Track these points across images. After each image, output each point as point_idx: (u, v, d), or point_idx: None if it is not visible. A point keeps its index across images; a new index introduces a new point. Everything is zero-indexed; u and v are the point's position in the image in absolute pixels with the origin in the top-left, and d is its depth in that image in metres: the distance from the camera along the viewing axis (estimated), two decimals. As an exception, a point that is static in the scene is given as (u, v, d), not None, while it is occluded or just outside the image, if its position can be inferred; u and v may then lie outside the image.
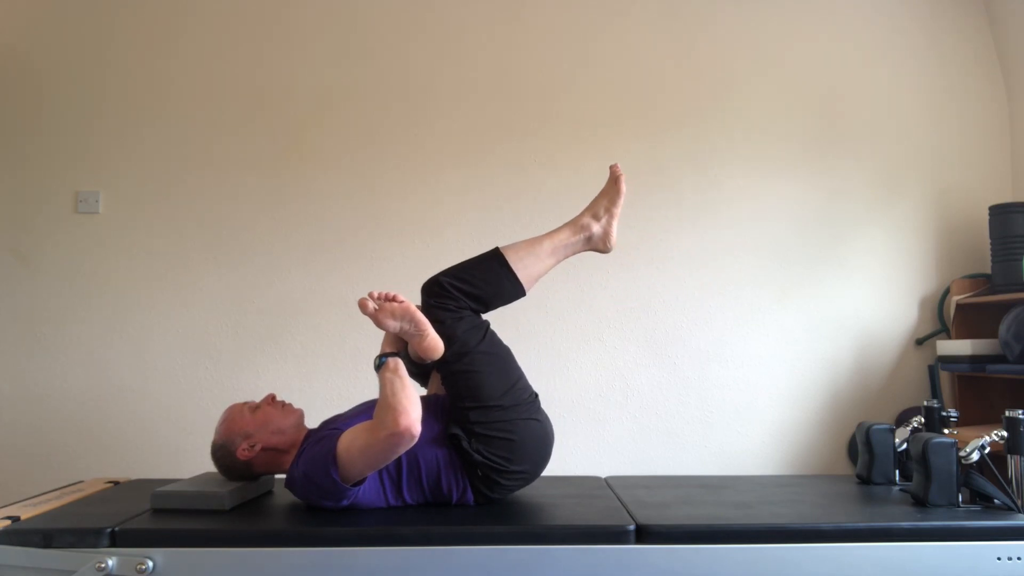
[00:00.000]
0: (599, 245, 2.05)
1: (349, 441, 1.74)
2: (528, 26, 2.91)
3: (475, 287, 1.94)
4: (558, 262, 2.04)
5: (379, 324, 1.84)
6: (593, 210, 2.05)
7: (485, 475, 1.83)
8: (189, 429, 2.74)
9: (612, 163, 2.09)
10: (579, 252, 2.06)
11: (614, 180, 2.05)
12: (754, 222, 2.86)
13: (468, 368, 1.87)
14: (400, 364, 1.80)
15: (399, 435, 1.68)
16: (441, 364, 1.90)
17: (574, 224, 2.04)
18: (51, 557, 1.64)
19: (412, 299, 1.90)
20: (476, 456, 1.82)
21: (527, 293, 1.99)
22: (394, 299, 1.85)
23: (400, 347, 1.91)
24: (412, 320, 1.82)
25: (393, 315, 1.82)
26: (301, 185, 2.84)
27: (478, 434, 1.83)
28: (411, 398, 1.73)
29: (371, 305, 1.83)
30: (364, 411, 1.89)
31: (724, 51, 2.91)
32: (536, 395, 1.97)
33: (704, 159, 2.87)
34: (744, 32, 2.91)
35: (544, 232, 2.04)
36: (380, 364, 1.81)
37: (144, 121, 2.86)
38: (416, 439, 1.71)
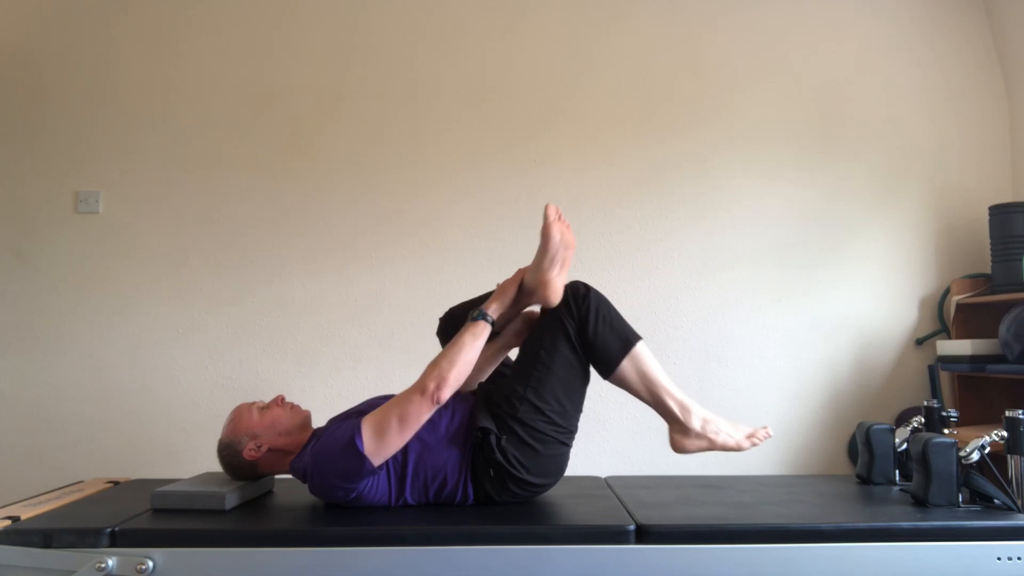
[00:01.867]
0: (676, 434, 1.95)
1: (382, 413, 1.77)
2: (530, 29, 2.91)
3: (598, 332, 1.88)
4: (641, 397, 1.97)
5: (550, 232, 1.85)
6: (715, 425, 1.94)
7: (498, 475, 1.83)
8: (189, 429, 2.74)
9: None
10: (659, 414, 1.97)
11: (750, 437, 1.93)
12: (754, 222, 2.86)
13: (558, 362, 1.87)
14: (486, 333, 1.84)
15: (426, 399, 1.74)
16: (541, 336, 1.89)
17: (684, 407, 1.96)
18: (51, 557, 1.64)
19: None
20: (498, 455, 1.81)
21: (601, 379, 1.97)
22: (568, 228, 1.89)
23: (504, 313, 1.90)
24: (571, 251, 1.87)
25: (565, 234, 1.86)
26: (302, 185, 2.84)
27: (511, 429, 1.82)
28: (461, 372, 1.78)
29: (555, 211, 1.88)
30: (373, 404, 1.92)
31: (724, 52, 2.91)
32: (577, 430, 1.96)
33: (705, 160, 2.87)
34: (744, 33, 2.91)
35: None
36: (475, 319, 1.84)
37: (144, 121, 2.86)
38: (437, 406, 1.77)
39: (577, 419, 1.96)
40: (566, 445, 1.92)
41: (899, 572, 1.64)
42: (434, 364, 1.79)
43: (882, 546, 1.66)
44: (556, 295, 1.86)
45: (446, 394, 1.76)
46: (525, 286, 1.91)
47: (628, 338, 1.91)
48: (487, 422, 1.83)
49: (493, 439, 1.81)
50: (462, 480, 1.85)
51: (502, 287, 1.93)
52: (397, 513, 1.80)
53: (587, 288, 1.92)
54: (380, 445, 1.76)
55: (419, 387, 1.76)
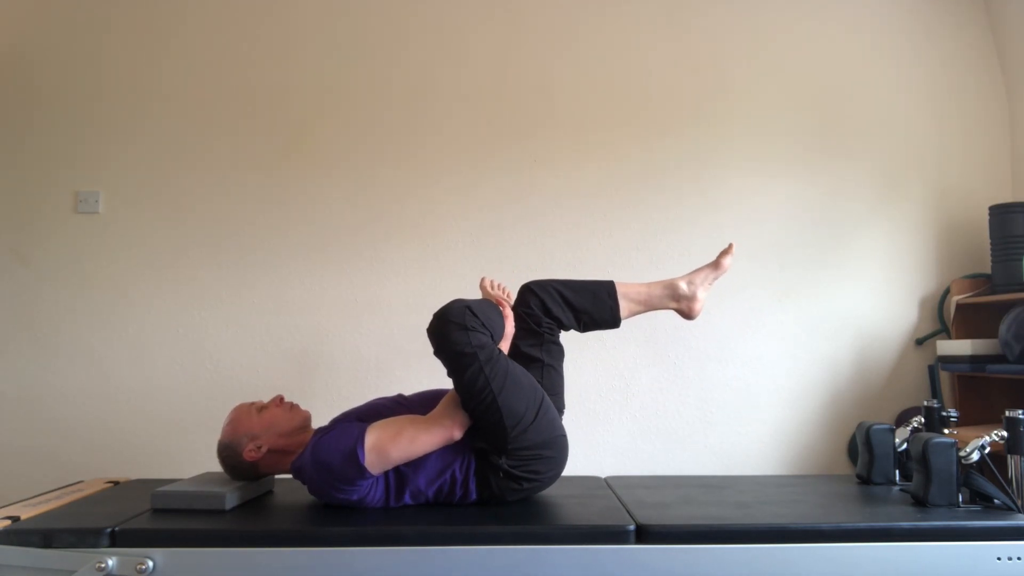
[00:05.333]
0: (683, 306, 2.13)
1: (394, 432, 1.79)
2: (527, 27, 2.91)
3: (579, 304, 2.06)
4: (646, 310, 2.14)
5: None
6: (691, 276, 2.15)
7: (510, 476, 1.84)
8: (189, 429, 2.74)
9: (730, 243, 2.22)
10: (666, 308, 2.15)
11: (721, 254, 2.17)
12: (754, 222, 2.86)
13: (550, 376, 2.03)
14: None
15: (442, 437, 1.80)
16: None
17: (670, 281, 2.14)
18: (51, 557, 1.64)
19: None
20: (509, 469, 1.83)
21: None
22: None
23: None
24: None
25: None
26: (300, 185, 2.84)
27: (515, 455, 1.83)
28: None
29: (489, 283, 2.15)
30: (381, 411, 1.93)
31: (724, 51, 2.90)
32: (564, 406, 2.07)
33: (704, 159, 2.87)
34: (744, 32, 2.91)
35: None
36: None
37: (144, 121, 2.86)
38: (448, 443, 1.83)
39: (562, 397, 2.06)
40: (563, 430, 1.94)
41: (899, 572, 1.65)
42: (456, 406, 1.82)
43: (882, 546, 1.66)
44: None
45: (460, 435, 1.82)
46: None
47: (609, 292, 2.05)
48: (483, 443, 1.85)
49: (498, 465, 1.83)
50: (465, 479, 1.85)
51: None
52: (397, 513, 1.80)
53: (540, 303, 2.02)
54: (381, 460, 1.78)
55: (438, 424, 1.80)
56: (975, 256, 2.86)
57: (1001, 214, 2.65)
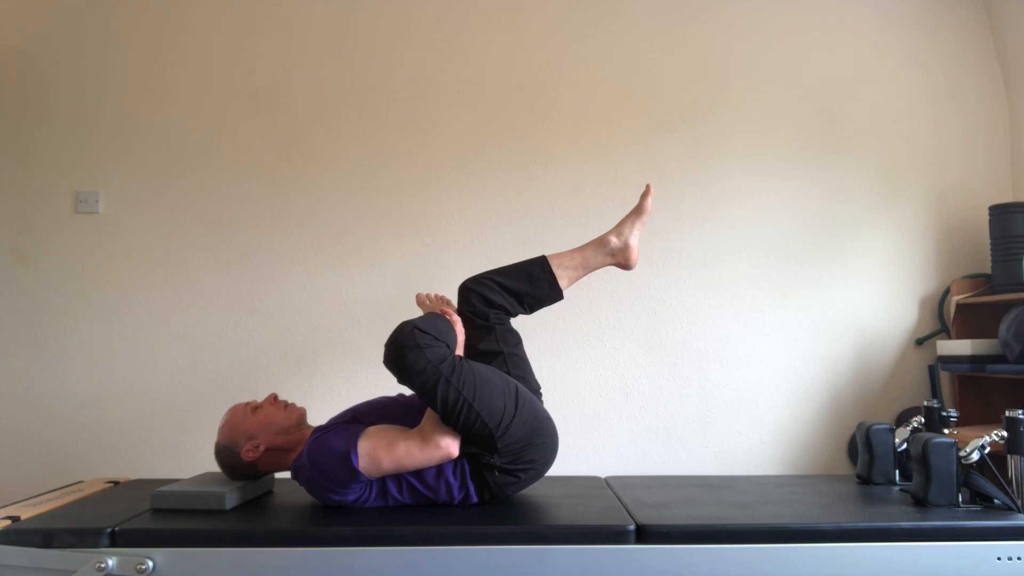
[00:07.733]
0: (620, 259, 2.14)
1: (387, 442, 1.78)
2: (527, 25, 2.91)
3: (517, 288, 2.07)
4: (586, 273, 2.15)
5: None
6: (619, 227, 2.15)
7: (506, 471, 1.84)
8: (189, 429, 2.74)
9: (647, 183, 2.22)
10: (604, 265, 2.16)
11: (642, 197, 2.17)
12: (754, 222, 2.86)
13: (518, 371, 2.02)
14: None
15: (437, 455, 1.79)
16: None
17: (600, 238, 2.15)
18: (51, 557, 1.64)
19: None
20: (503, 465, 1.84)
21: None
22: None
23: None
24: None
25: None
26: (301, 185, 2.84)
27: (502, 451, 1.84)
28: None
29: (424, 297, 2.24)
30: (381, 409, 1.94)
31: (723, 50, 2.90)
32: (539, 389, 2.06)
33: (704, 158, 2.87)
34: (744, 31, 2.91)
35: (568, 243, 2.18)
36: None
37: (144, 121, 2.85)
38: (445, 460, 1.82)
39: (533, 379, 2.06)
40: (546, 412, 1.95)
41: (899, 572, 1.65)
42: (443, 422, 1.81)
43: (882, 546, 1.66)
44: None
45: (457, 451, 1.81)
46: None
47: (543, 267, 2.06)
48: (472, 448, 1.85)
49: (489, 462, 1.83)
50: (462, 484, 1.85)
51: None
52: (397, 513, 1.80)
53: (481, 298, 2.03)
54: (374, 465, 1.78)
55: (433, 443, 1.79)
56: (975, 256, 2.86)
57: (1001, 214, 2.65)
